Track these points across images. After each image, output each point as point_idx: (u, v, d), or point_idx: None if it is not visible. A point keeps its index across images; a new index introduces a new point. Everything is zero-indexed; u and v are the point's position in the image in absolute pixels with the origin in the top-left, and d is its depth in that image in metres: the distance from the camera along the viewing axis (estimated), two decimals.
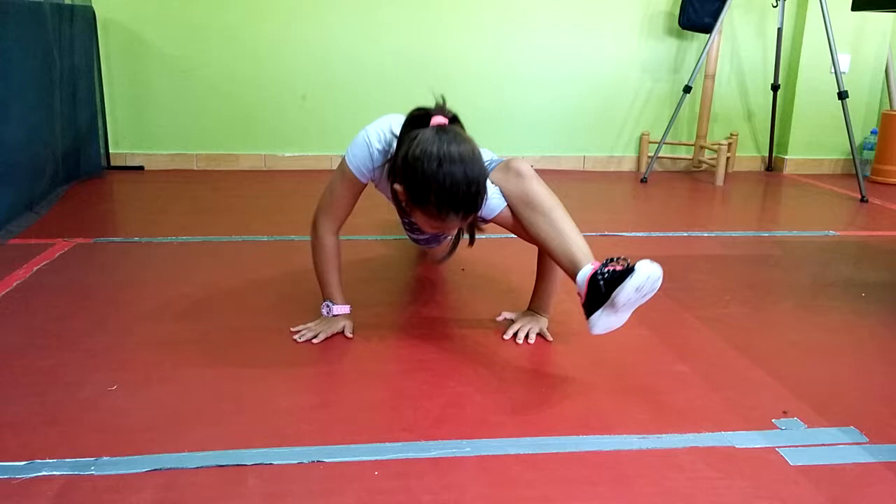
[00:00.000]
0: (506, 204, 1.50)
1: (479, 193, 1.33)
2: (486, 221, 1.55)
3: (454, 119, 1.40)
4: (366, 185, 1.57)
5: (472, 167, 1.30)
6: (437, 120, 1.35)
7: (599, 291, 1.31)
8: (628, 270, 1.25)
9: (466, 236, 1.55)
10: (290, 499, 1.04)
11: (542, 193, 1.46)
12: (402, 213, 1.39)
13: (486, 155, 1.64)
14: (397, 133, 1.43)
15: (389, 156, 1.46)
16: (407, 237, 2.01)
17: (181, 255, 2.18)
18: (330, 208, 1.60)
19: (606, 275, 1.30)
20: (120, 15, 3.36)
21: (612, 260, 1.34)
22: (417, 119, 1.38)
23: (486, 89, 3.68)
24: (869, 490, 1.10)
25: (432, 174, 1.29)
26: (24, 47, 2.52)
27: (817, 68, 3.78)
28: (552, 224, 1.44)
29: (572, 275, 1.40)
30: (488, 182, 1.48)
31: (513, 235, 1.56)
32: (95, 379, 1.38)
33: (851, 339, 1.67)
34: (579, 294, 1.37)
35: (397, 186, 1.37)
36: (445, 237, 1.89)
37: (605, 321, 1.32)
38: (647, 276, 1.24)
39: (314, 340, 1.58)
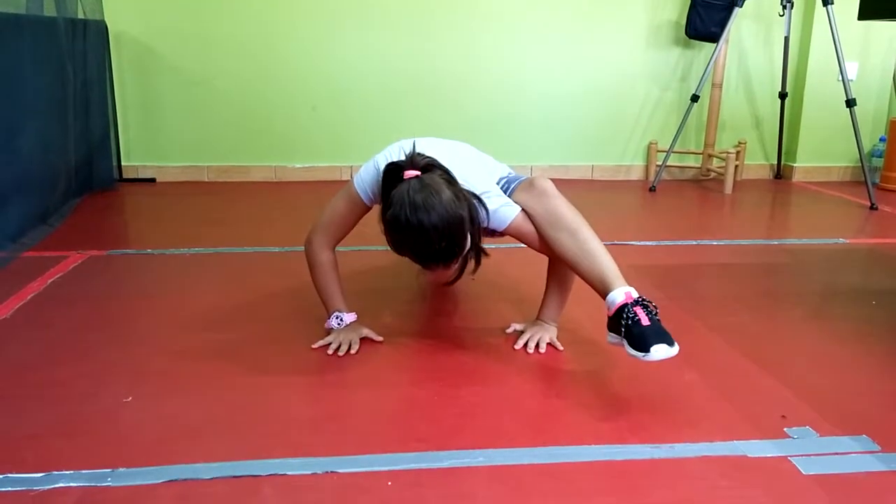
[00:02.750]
0: (516, 213, 1.51)
1: (453, 244, 1.36)
2: (499, 234, 1.56)
3: (427, 167, 1.40)
4: (368, 209, 1.60)
5: (442, 221, 1.32)
6: (408, 174, 1.38)
7: (619, 326, 1.36)
8: (644, 348, 1.29)
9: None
10: None
11: (568, 212, 1.49)
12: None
13: (502, 171, 1.66)
14: None
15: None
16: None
17: (193, 267, 2.20)
18: (329, 226, 1.63)
19: (630, 321, 1.34)
20: (132, 29, 3.40)
21: (643, 301, 1.37)
22: (392, 174, 1.41)
23: (494, 99, 3.69)
24: (882, 499, 1.09)
25: (403, 237, 1.35)
26: (38, 62, 2.55)
27: (825, 76, 3.77)
28: (581, 245, 1.46)
29: (602, 294, 1.44)
30: (492, 196, 1.50)
31: (521, 245, 1.57)
32: (110, 390, 1.40)
33: (862, 347, 1.67)
34: (608, 311, 1.41)
35: (386, 237, 1.42)
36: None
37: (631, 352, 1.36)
38: (657, 359, 1.29)
39: (352, 351, 1.59)
